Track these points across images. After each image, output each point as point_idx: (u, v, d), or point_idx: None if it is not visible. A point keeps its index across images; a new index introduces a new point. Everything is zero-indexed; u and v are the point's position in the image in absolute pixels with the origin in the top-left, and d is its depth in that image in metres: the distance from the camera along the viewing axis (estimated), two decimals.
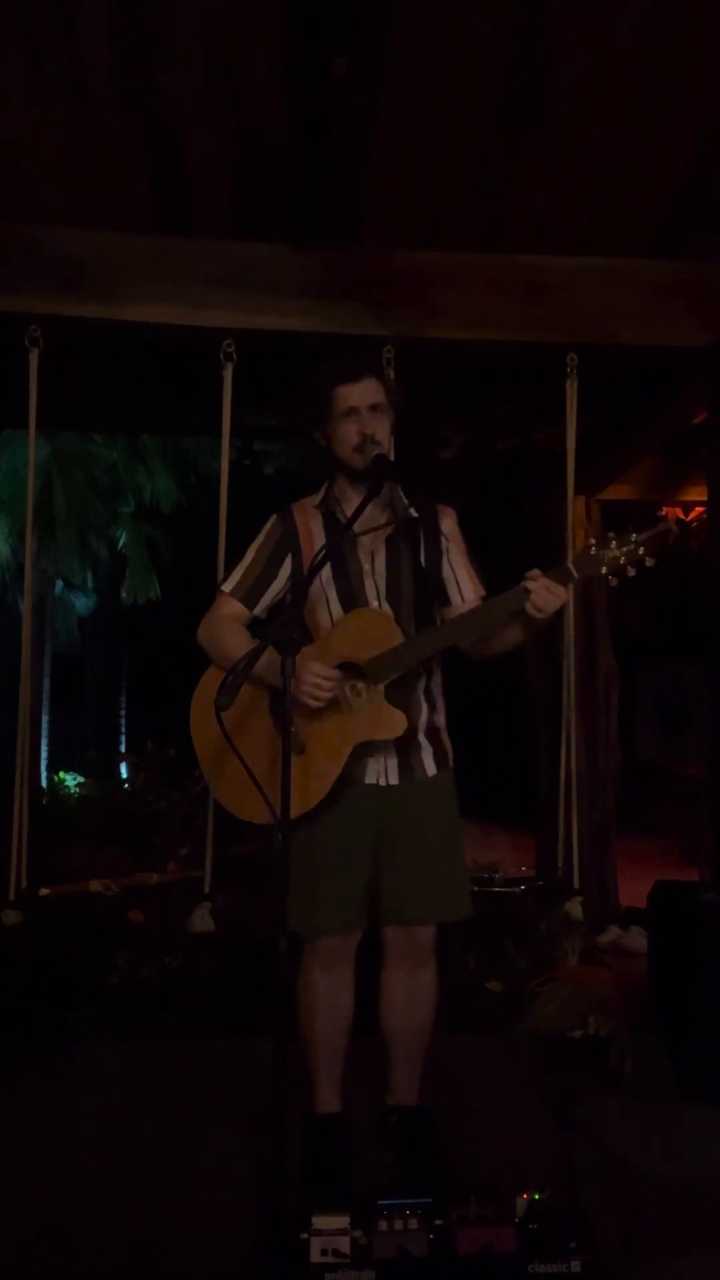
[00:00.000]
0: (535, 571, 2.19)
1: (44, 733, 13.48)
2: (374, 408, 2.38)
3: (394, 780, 2.43)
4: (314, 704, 2.27)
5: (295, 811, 2.13)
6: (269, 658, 2.20)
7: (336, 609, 2.42)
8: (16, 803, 3.42)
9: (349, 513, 2.36)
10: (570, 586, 2.21)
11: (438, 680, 2.53)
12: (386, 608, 2.40)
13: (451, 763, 2.52)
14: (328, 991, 2.47)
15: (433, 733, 2.49)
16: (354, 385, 2.38)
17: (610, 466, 5.28)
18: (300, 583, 2.38)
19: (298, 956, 2.44)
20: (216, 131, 3.01)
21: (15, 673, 3.64)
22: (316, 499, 2.51)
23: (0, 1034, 3.29)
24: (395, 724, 2.32)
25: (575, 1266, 1.90)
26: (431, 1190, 2.01)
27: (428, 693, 2.48)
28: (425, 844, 2.43)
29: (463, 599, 2.45)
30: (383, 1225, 1.92)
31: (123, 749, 15.03)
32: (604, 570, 2.17)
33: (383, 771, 2.43)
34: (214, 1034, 3.40)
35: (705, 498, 4.27)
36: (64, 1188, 2.39)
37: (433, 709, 2.49)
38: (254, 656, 2.13)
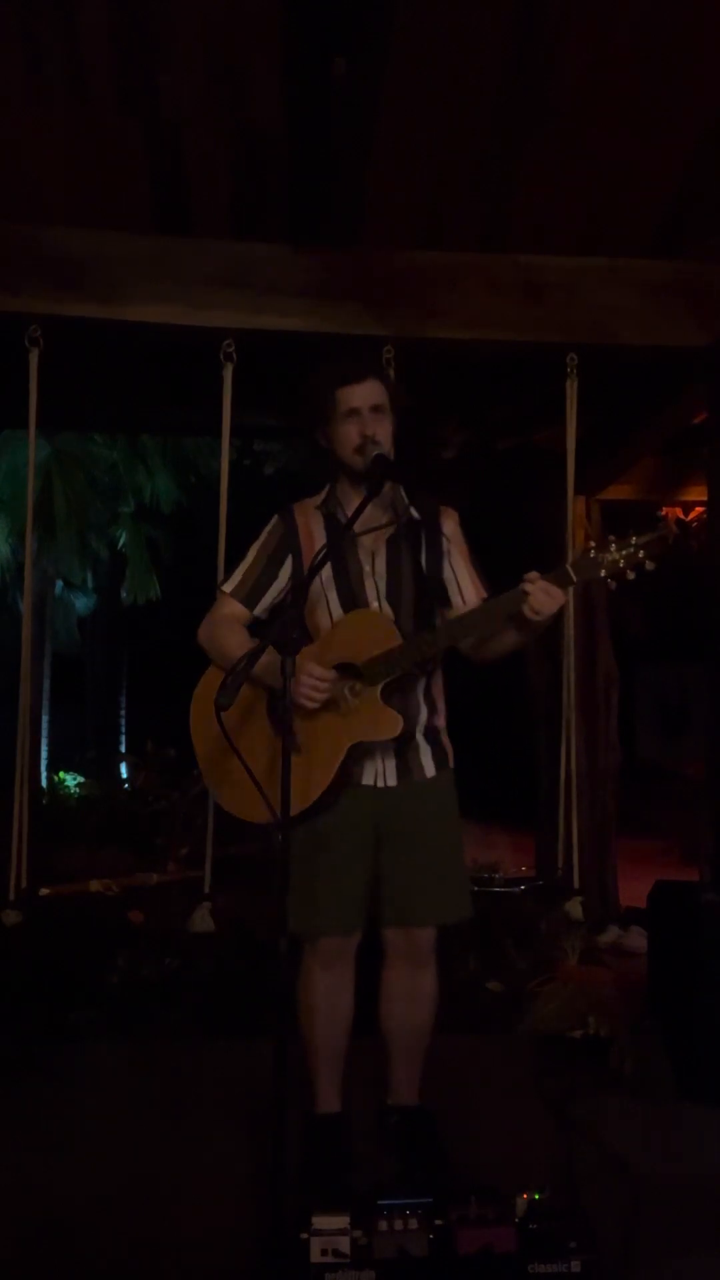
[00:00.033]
0: (533, 574, 2.18)
1: (44, 733, 13.48)
2: (375, 409, 2.38)
3: (392, 782, 2.43)
4: (310, 705, 2.27)
5: (292, 811, 2.13)
6: (268, 658, 2.20)
7: (336, 609, 2.42)
8: (16, 803, 3.43)
9: (350, 514, 2.36)
10: (569, 589, 2.21)
11: (438, 681, 2.52)
12: (387, 609, 2.40)
13: (451, 764, 2.52)
14: (328, 992, 2.46)
15: (432, 734, 2.49)
16: (356, 386, 2.38)
17: (610, 466, 5.28)
18: (300, 583, 2.38)
19: (298, 957, 2.44)
20: (216, 131, 3.01)
21: (15, 673, 3.64)
22: (318, 500, 2.51)
23: (0, 1034, 3.29)
24: (391, 725, 2.32)
25: (575, 1266, 1.90)
26: (431, 1190, 2.02)
27: (428, 694, 2.48)
28: (425, 845, 2.43)
29: (463, 601, 2.44)
30: (383, 1225, 1.92)
31: (123, 749, 15.03)
32: (603, 573, 2.16)
33: (381, 773, 2.42)
34: (214, 1034, 3.40)
35: (705, 498, 4.27)
36: (64, 1188, 2.39)
37: (432, 710, 2.49)
38: (254, 657, 2.13)
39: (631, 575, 2.14)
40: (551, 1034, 3.28)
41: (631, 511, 5.81)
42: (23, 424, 3.48)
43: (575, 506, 3.85)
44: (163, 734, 8.22)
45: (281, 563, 2.47)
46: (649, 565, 2.13)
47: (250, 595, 2.48)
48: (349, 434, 2.37)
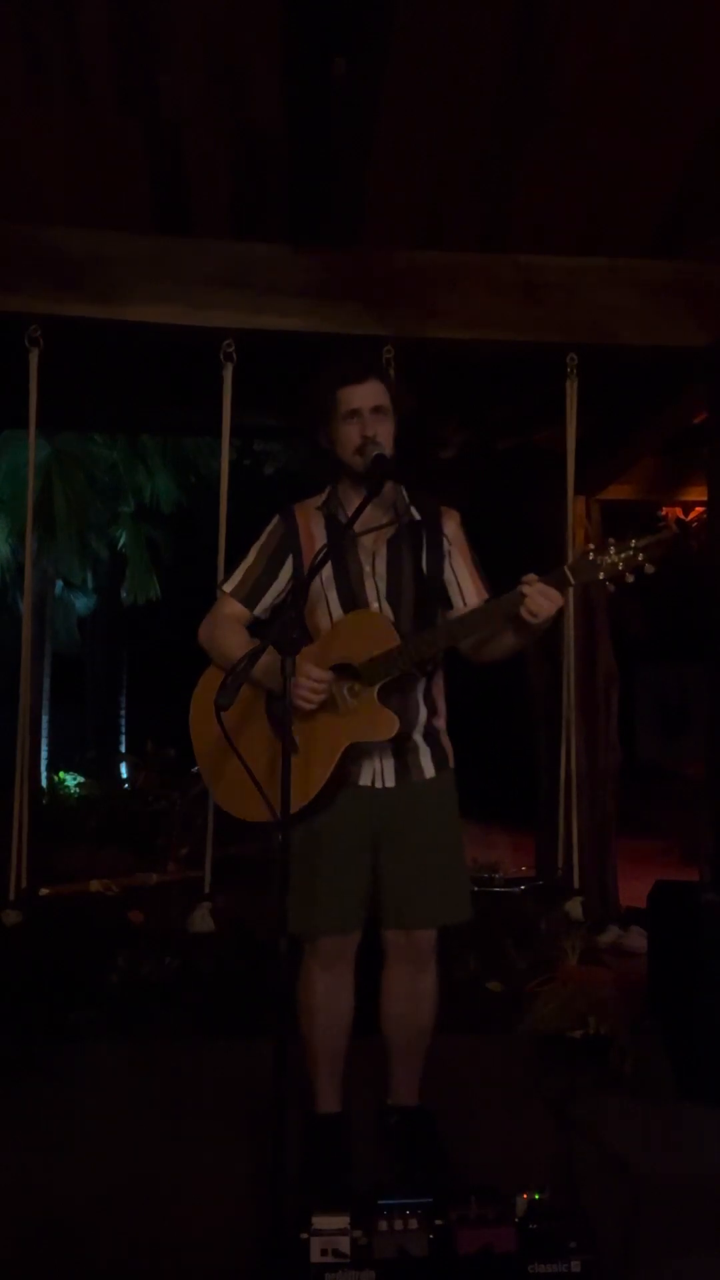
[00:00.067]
0: (531, 576, 2.17)
1: (44, 733, 13.48)
2: (377, 409, 2.38)
3: (391, 783, 2.43)
4: (306, 706, 2.27)
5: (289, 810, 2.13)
6: (266, 660, 2.19)
7: (336, 610, 2.42)
8: (16, 803, 3.43)
9: (351, 514, 2.35)
10: (568, 591, 2.20)
11: (439, 682, 2.52)
12: (387, 609, 2.39)
13: (451, 764, 2.52)
14: (327, 992, 2.46)
15: (431, 734, 2.49)
16: (357, 387, 2.38)
17: (610, 466, 5.28)
18: (300, 583, 2.38)
19: (298, 957, 2.44)
20: (216, 131, 3.01)
21: (15, 673, 3.65)
22: (319, 500, 2.51)
23: (0, 1034, 3.29)
24: (387, 726, 2.31)
25: (575, 1266, 1.89)
26: (431, 1190, 2.01)
27: (428, 695, 2.48)
28: (424, 846, 2.42)
29: (464, 602, 2.44)
30: (383, 1225, 1.92)
31: (123, 749, 15.04)
32: (602, 576, 2.14)
33: (379, 773, 2.42)
34: (214, 1034, 3.40)
35: (705, 498, 4.27)
36: (64, 1188, 2.39)
37: (432, 711, 2.49)
38: (254, 657, 2.13)
39: (631, 578, 2.12)
40: (551, 1034, 3.28)
41: (631, 511, 5.82)
42: (23, 424, 3.48)
43: (575, 506, 3.85)
44: (163, 734, 8.23)
45: (282, 563, 2.47)
46: (648, 569, 2.11)
47: (250, 595, 2.48)
48: (350, 434, 2.37)
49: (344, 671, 2.34)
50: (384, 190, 3.21)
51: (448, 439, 5.35)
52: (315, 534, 2.45)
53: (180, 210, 3.37)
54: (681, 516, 6.11)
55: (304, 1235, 1.89)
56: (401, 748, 2.42)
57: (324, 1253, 1.88)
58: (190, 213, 3.39)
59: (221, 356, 3.52)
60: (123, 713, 16.35)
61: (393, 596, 2.41)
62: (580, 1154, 2.56)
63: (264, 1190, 2.05)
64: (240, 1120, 2.66)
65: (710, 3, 2.59)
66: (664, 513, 6.07)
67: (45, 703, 13.79)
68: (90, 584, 14.81)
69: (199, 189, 3.28)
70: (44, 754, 13.20)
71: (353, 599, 2.41)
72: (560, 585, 2.17)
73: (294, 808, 2.22)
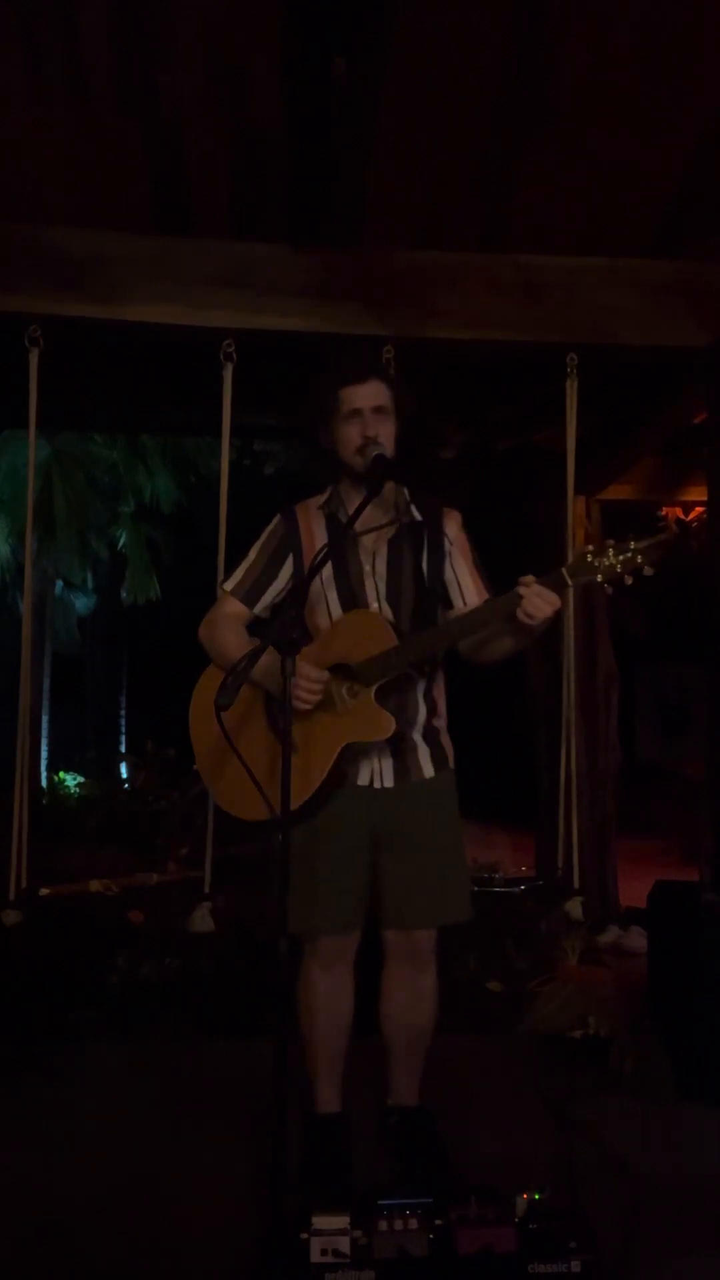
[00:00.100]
0: (529, 577, 2.17)
1: (44, 733, 13.49)
2: (378, 410, 2.38)
3: (389, 782, 2.42)
4: (302, 706, 2.27)
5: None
6: (265, 660, 2.19)
7: (336, 610, 2.42)
8: (16, 803, 3.43)
9: (351, 514, 2.35)
10: (570, 592, 2.20)
11: (439, 682, 2.52)
12: (387, 609, 2.39)
13: (451, 764, 2.52)
14: (327, 992, 2.46)
15: (431, 734, 2.48)
16: (359, 387, 2.38)
17: (610, 466, 5.28)
18: (300, 583, 2.38)
19: (298, 957, 2.44)
20: (216, 131, 3.01)
21: (15, 673, 3.64)
22: (320, 500, 2.51)
23: (0, 1034, 3.29)
24: (383, 726, 2.31)
25: (575, 1266, 1.89)
26: (431, 1190, 2.01)
27: (428, 694, 2.48)
28: (424, 846, 2.42)
29: (465, 602, 2.43)
30: (383, 1225, 1.92)
31: (123, 749, 15.04)
32: (600, 578, 2.13)
33: (377, 773, 2.42)
34: (214, 1034, 3.40)
35: (705, 498, 4.27)
36: (64, 1188, 2.39)
37: (432, 711, 2.49)
38: (254, 657, 2.13)
39: (629, 580, 2.12)
40: (551, 1034, 3.28)
41: (631, 511, 5.82)
42: (23, 424, 3.48)
43: (575, 506, 3.85)
44: (163, 734, 8.23)
45: (282, 562, 2.47)
46: (648, 571, 2.10)
47: (250, 594, 2.48)
48: (351, 435, 2.37)
49: (342, 671, 2.34)
50: (384, 190, 3.21)
51: (448, 439, 5.35)
52: (316, 533, 2.45)
53: (180, 210, 3.37)
54: (681, 516, 6.11)
55: (304, 1235, 1.89)
56: (400, 748, 2.42)
57: (324, 1253, 1.88)
58: (190, 213, 3.39)
59: (221, 356, 3.52)
60: (123, 713, 16.35)
61: (393, 597, 2.41)
62: (580, 1154, 2.56)
63: (264, 1190, 2.05)
64: (240, 1120, 2.66)
65: (710, 3, 2.59)
66: (664, 513, 6.08)
67: (45, 703, 13.80)
68: (90, 584, 14.82)
69: (199, 189, 3.28)
70: (44, 754, 13.21)
71: (353, 599, 2.41)
72: (558, 587, 2.16)
73: (292, 805, 2.22)
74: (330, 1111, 2.53)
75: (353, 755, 2.38)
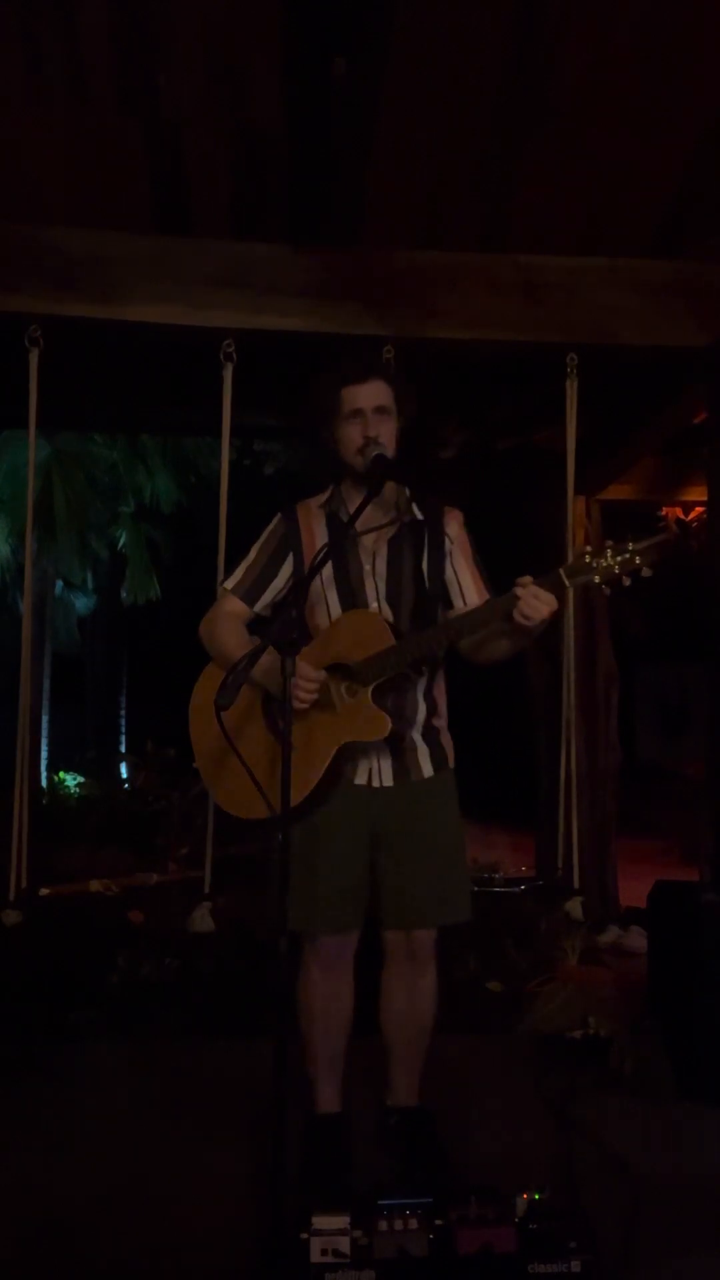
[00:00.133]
0: (526, 578, 2.16)
1: (44, 733, 13.49)
2: (379, 410, 2.38)
3: (388, 782, 2.42)
4: (297, 705, 2.26)
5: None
6: (264, 660, 2.19)
7: (336, 610, 2.42)
8: (16, 803, 3.43)
9: (352, 513, 2.35)
10: (569, 593, 2.19)
11: (440, 682, 2.52)
12: (386, 609, 2.40)
13: (452, 764, 2.52)
14: (327, 992, 2.47)
15: (430, 734, 2.48)
16: (360, 386, 2.38)
17: (610, 466, 5.28)
18: (300, 582, 2.38)
19: (298, 957, 2.44)
20: (216, 131, 3.01)
21: (15, 673, 3.64)
22: (322, 499, 2.51)
23: (0, 1034, 3.29)
24: (379, 726, 2.30)
25: (575, 1266, 1.90)
26: (431, 1190, 2.01)
27: (428, 694, 2.48)
28: (423, 846, 2.42)
29: (465, 602, 2.43)
30: (383, 1225, 1.92)
31: (123, 749, 15.04)
32: (597, 579, 2.12)
33: (376, 772, 2.42)
34: (214, 1034, 3.40)
35: (705, 498, 4.27)
36: (64, 1188, 2.39)
37: (432, 710, 2.49)
38: (254, 657, 2.13)
39: (627, 582, 2.11)
40: (551, 1034, 3.28)
41: (631, 511, 5.81)
42: (23, 424, 3.48)
43: (575, 506, 3.85)
44: (163, 734, 8.22)
45: (282, 561, 2.48)
46: (646, 572, 2.09)
47: (250, 592, 2.49)
48: (352, 434, 2.37)
49: (340, 671, 2.34)
50: (384, 190, 3.21)
51: (448, 439, 5.35)
52: (316, 532, 2.46)
53: (180, 210, 3.37)
54: (681, 516, 6.11)
55: (304, 1235, 1.89)
56: (399, 747, 2.42)
57: (324, 1253, 1.88)
58: (190, 213, 3.39)
59: (221, 356, 3.52)
60: (123, 713, 16.36)
61: (392, 596, 2.41)
62: (580, 1154, 2.56)
63: (264, 1190, 2.04)
64: (240, 1120, 2.66)
65: (710, 3, 2.59)
66: (664, 513, 6.08)
67: (45, 703, 13.80)
68: (90, 584, 14.82)
69: (199, 189, 3.28)
70: (44, 754, 13.21)
71: (352, 598, 2.41)
72: (555, 588, 2.16)
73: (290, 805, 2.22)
74: (330, 1111, 2.53)
75: (350, 754, 2.38)
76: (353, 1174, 2.40)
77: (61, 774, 12.31)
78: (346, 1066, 2.54)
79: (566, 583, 2.16)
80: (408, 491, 2.48)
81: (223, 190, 3.28)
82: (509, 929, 4.19)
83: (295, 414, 2.60)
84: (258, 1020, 3.32)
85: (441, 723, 2.52)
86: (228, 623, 2.48)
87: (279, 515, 2.51)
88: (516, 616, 2.16)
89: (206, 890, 3.55)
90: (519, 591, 2.16)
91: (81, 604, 15.43)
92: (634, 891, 4.50)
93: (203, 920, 3.50)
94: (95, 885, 5.19)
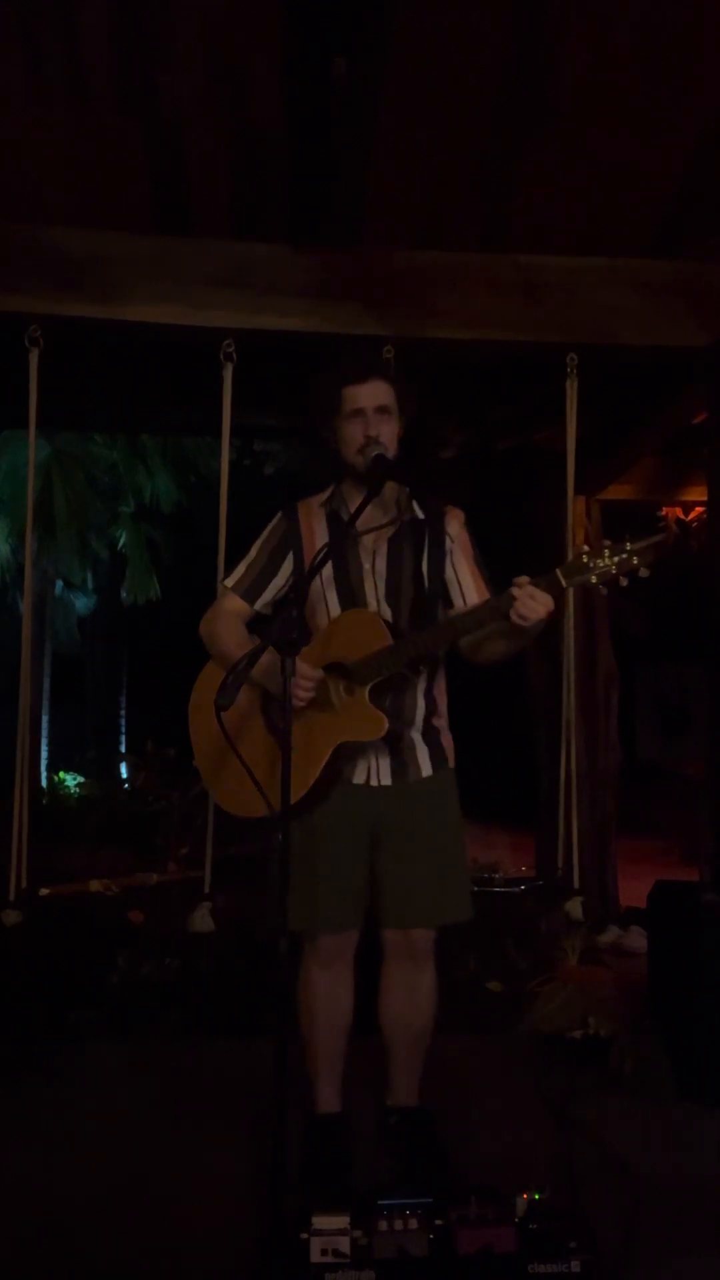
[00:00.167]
0: (523, 579, 2.16)
1: (44, 733, 13.49)
2: (380, 409, 2.38)
3: (387, 781, 2.42)
4: (295, 704, 2.26)
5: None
6: (263, 660, 2.19)
7: (336, 609, 2.42)
8: (16, 803, 3.43)
9: (353, 513, 2.35)
10: (567, 593, 2.19)
11: (440, 681, 2.52)
12: (386, 609, 2.40)
13: (452, 763, 2.52)
14: (327, 992, 2.47)
15: (430, 733, 2.48)
16: (362, 386, 2.38)
17: (610, 466, 5.28)
18: (300, 581, 2.38)
19: (297, 956, 2.44)
20: (216, 131, 3.01)
21: (15, 673, 3.65)
22: (322, 498, 2.51)
23: (0, 1034, 3.29)
24: (376, 726, 2.30)
25: (575, 1266, 1.89)
26: (431, 1190, 2.01)
27: (428, 693, 2.47)
28: (422, 845, 2.42)
29: (465, 601, 2.43)
30: (383, 1225, 1.92)
31: (123, 749, 15.04)
32: (594, 579, 2.12)
33: (374, 772, 2.42)
34: (214, 1034, 3.40)
35: (705, 498, 4.27)
36: (64, 1188, 2.39)
37: (432, 710, 2.49)
38: (254, 656, 2.13)
39: (624, 581, 2.11)
40: (551, 1034, 3.28)
41: (631, 511, 5.81)
42: (23, 424, 3.48)
43: (575, 506, 3.85)
44: (163, 734, 8.21)
45: (283, 559, 2.48)
46: (642, 572, 2.09)
47: (251, 590, 2.49)
48: (353, 434, 2.37)
49: (338, 670, 2.34)
50: (384, 190, 3.21)
51: (448, 439, 5.35)
52: (317, 531, 2.46)
53: (180, 210, 3.37)
54: (681, 516, 6.11)
55: (304, 1235, 1.89)
56: (398, 746, 2.42)
57: (324, 1253, 1.88)
58: (190, 213, 3.39)
59: (221, 356, 3.52)
60: (123, 713, 16.36)
61: (392, 596, 2.41)
62: (580, 1154, 2.56)
63: (264, 1190, 2.05)
64: (240, 1120, 2.66)
65: (710, 3, 2.59)
66: (664, 513, 6.08)
67: (45, 703, 13.80)
68: (90, 584, 14.82)
69: (199, 189, 3.28)
70: (44, 754, 13.21)
71: (352, 598, 2.41)
72: (552, 588, 2.15)
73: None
74: (330, 1111, 2.53)
75: (349, 754, 2.38)
76: (353, 1174, 2.40)
77: (61, 774, 12.31)
78: (346, 1066, 2.54)
79: (564, 583, 2.15)
80: (408, 491, 2.48)
81: (223, 190, 3.28)
82: (509, 929, 4.19)
83: (295, 414, 2.60)
84: (258, 1020, 3.32)
85: (441, 722, 2.52)
86: (228, 621, 2.48)
87: (280, 513, 2.51)
88: (513, 616, 2.15)
89: (206, 890, 3.55)
90: (515, 592, 2.15)
91: (81, 604, 15.43)
92: (634, 891, 4.50)
93: (203, 920, 3.50)
94: (95, 885, 5.19)
